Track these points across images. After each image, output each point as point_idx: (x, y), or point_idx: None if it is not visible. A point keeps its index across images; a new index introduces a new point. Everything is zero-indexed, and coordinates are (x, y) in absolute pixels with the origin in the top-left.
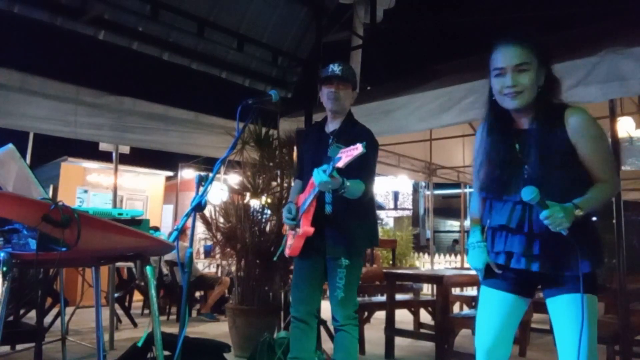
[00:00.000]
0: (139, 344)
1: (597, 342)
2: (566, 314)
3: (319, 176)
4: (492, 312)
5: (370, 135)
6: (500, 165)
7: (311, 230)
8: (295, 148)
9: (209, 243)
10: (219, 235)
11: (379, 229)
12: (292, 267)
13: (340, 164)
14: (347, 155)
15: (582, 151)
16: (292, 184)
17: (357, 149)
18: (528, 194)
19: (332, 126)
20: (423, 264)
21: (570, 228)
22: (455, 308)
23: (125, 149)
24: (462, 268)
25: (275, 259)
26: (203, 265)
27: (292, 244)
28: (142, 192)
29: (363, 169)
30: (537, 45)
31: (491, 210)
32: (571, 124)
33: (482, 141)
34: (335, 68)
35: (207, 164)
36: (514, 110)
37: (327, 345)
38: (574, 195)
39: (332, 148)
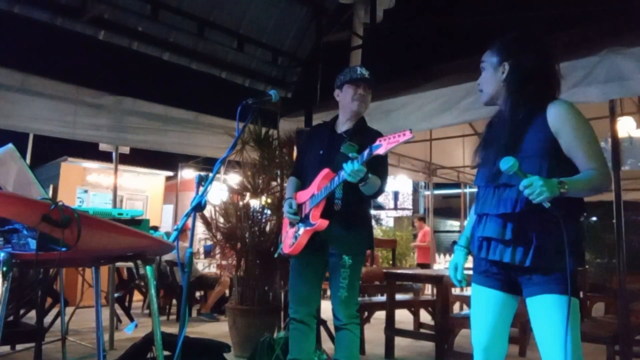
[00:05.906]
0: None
1: (580, 346)
2: (546, 316)
3: (350, 165)
4: (484, 310)
5: None
6: (482, 155)
7: (326, 223)
8: (295, 148)
9: (209, 243)
10: (219, 235)
11: (379, 230)
12: None
13: (381, 151)
14: (389, 142)
15: (565, 140)
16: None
17: (405, 135)
18: (505, 163)
19: (343, 127)
20: None
21: (550, 220)
22: (455, 308)
23: (125, 149)
24: None
25: (276, 255)
26: (203, 265)
27: (294, 242)
28: (142, 192)
29: (380, 168)
30: (500, 44)
31: (479, 199)
32: (551, 114)
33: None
34: (364, 72)
35: (207, 164)
36: (488, 105)
37: (327, 345)
38: None
39: (345, 146)
